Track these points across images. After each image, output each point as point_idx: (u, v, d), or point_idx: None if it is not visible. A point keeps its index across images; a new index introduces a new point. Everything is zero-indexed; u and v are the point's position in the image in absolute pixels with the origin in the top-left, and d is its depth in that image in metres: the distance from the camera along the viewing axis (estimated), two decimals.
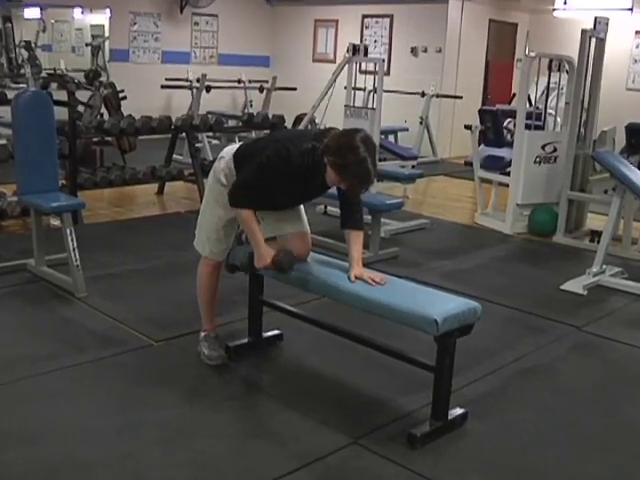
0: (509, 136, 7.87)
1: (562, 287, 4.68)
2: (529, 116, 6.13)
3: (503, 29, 11.10)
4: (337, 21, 11.50)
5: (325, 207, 6.26)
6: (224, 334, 3.43)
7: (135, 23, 10.83)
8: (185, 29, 11.51)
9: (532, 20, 11.14)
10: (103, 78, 9.79)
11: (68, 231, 4.02)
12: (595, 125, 6.06)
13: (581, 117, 5.97)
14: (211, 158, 7.77)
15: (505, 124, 8.02)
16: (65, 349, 3.35)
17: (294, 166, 2.77)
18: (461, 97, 9.92)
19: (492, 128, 6.75)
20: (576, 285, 4.67)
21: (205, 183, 3.40)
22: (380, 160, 7.57)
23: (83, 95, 7.51)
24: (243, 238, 3.30)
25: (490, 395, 3.14)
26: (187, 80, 10.31)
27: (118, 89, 7.96)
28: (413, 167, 7.79)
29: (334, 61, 11.14)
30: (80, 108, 6.50)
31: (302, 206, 3.22)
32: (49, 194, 4.16)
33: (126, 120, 6.11)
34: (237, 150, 3.06)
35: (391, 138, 9.95)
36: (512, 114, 6.88)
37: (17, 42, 9.90)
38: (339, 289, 2.86)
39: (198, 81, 9.61)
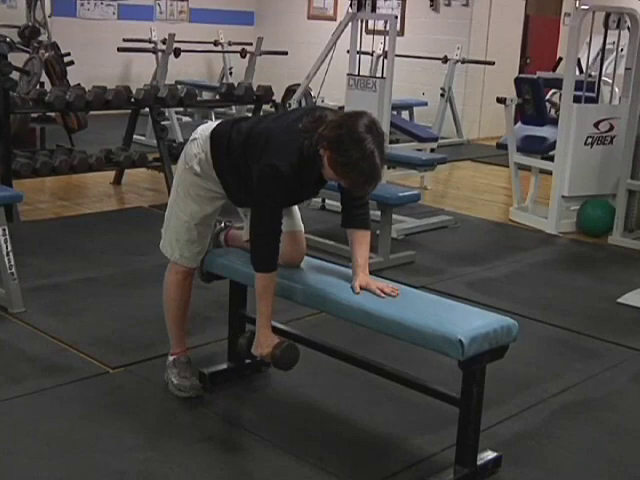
0: (553, 111, 7.90)
1: (620, 300, 4.70)
2: (579, 86, 6.15)
3: None
4: None
5: (323, 200, 6.29)
6: (198, 358, 3.44)
7: None
8: None
9: None
10: (43, 37, 9.78)
11: (0, 230, 4.03)
12: None
13: None
14: (181, 139, 7.79)
15: (548, 96, 8.05)
16: None
17: (287, 180, 2.79)
18: (493, 63, 9.96)
19: (532, 101, 6.77)
20: (638, 298, 4.70)
21: (174, 170, 3.41)
22: (392, 142, 7.65)
23: (17, 58, 7.52)
24: (221, 239, 3.32)
25: (529, 435, 3.15)
26: (150, 41, 10.32)
27: (63, 52, 7.97)
28: (432, 151, 7.82)
29: (334, 18, 11.17)
30: (14, 75, 6.50)
31: None
32: None
33: (73, 91, 6.12)
34: (214, 130, 3.07)
35: (405, 115, 9.98)
36: (557, 83, 6.91)
37: None
38: (340, 302, 2.88)
39: (164, 43, 9.62)
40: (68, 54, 7.99)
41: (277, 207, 2.86)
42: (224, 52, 11.01)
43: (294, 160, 2.77)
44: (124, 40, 9.89)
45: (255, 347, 2.95)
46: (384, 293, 2.85)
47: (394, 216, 5.34)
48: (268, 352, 2.89)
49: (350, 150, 2.64)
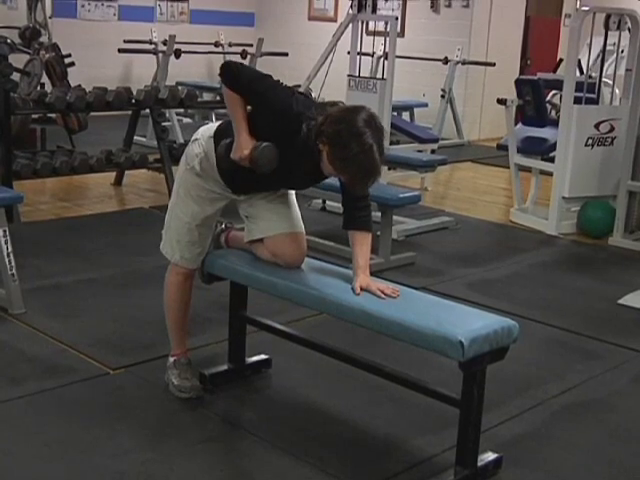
0: (554, 112, 7.90)
1: (620, 301, 4.70)
2: (579, 87, 6.15)
3: None
4: None
5: (324, 202, 6.29)
6: (198, 360, 3.44)
7: None
8: None
9: None
10: (44, 38, 9.79)
11: (1, 232, 4.03)
12: None
13: None
14: (182, 140, 7.79)
15: (549, 97, 8.04)
16: None
17: (287, 122, 2.79)
18: (494, 64, 9.96)
19: (532, 102, 6.77)
20: (639, 299, 4.70)
21: (175, 171, 3.41)
22: (392, 143, 7.65)
23: (18, 59, 7.52)
24: (222, 240, 3.32)
25: (530, 436, 3.15)
26: (151, 42, 10.32)
27: (63, 53, 7.97)
28: (433, 152, 7.82)
29: (335, 20, 11.18)
30: (15, 76, 6.51)
31: (294, 200, 3.24)
32: None
33: (74, 92, 6.12)
34: (216, 130, 3.07)
35: (406, 116, 9.99)
36: (558, 85, 6.91)
37: None
38: (341, 303, 2.88)
39: (165, 44, 9.63)
40: (69, 55, 7.99)
41: (265, 97, 2.84)
42: (224, 53, 11.01)
43: (303, 115, 2.78)
44: (125, 41, 9.88)
45: (234, 151, 2.95)
46: (384, 294, 2.85)
47: (395, 217, 5.34)
48: (247, 154, 2.89)
49: (349, 144, 2.65)
